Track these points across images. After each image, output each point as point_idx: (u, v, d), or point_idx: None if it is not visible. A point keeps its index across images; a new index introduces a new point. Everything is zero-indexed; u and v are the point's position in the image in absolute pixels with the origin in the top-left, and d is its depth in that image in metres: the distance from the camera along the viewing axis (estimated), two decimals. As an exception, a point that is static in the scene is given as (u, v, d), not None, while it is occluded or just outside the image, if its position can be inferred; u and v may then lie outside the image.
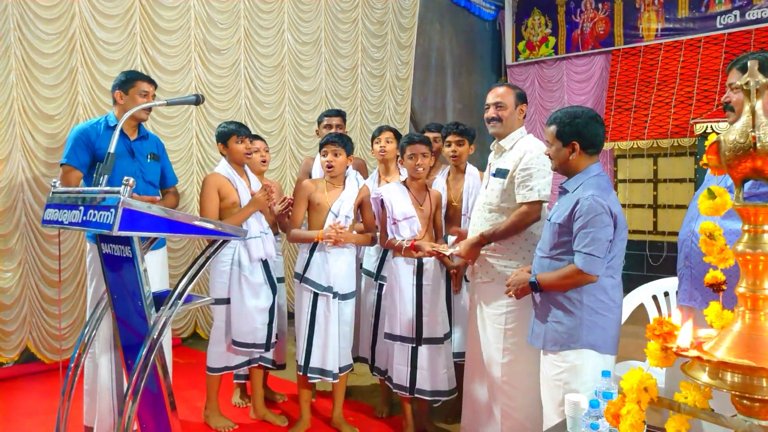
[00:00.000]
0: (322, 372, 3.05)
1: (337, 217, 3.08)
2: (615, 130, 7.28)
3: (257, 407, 3.33)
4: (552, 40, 8.12)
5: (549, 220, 2.34)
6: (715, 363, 0.82)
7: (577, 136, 2.24)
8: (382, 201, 3.14)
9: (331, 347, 3.05)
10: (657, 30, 7.27)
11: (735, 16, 6.70)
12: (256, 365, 3.27)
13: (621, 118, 7.30)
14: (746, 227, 0.87)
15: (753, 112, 0.83)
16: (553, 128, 2.30)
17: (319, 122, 3.90)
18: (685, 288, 2.15)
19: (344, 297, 3.11)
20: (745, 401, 0.85)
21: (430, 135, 3.63)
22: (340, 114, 3.91)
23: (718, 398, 0.99)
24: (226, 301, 3.15)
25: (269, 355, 3.28)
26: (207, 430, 3.16)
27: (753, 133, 0.82)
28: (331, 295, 3.04)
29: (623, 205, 7.37)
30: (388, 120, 6.68)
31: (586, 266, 2.12)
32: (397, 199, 3.11)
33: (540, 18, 8.20)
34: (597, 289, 2.20)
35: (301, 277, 3.07)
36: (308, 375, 3.05)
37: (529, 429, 2.54)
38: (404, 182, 3.20)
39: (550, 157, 2.38)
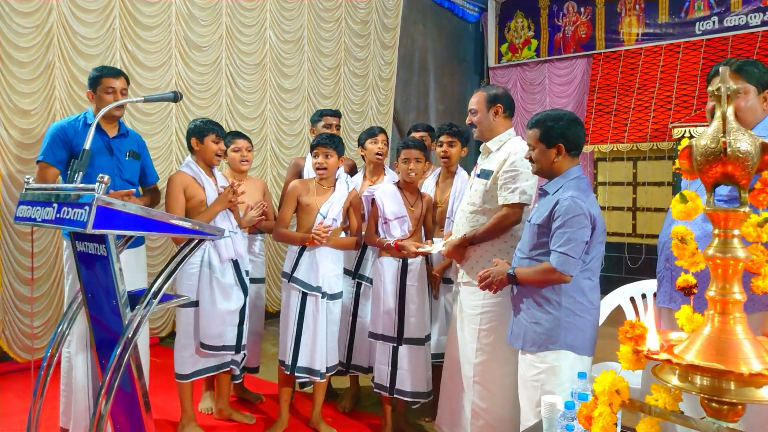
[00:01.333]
0: (310, 371, 3.04)
1: (325, 218, 3.07)
2: (595, 133, 7.34)
3: (222, 408, 3.30)
4: (534, 42, 8.18)
5: (529, 222, 2.36)
6: (685, 366, 0.83)
7: (561, 138, 2.26)
8: (373, 200, 3.14)
9: (320, 346, 3.04)
10: (638, 35, 7.36)
11: (713, 22, 6.80)
12: (227, 369, 3.19)
13: (601, 122, 7.37)
14: (716, 231, 0.88)
15: (723, 118, 0.84)
16: (536, 131, 2.31)
17: (316, 121, 3.80)
18: (665, 290, 2.17)
19: (332, 297, 3.10)
20: (713, 404, 0.86)
21: (417, 134, 3.64)
22: (339, 114, 3.88)
23: (688, 400, 1.00)
24: (194, 304, 3.05)
25: (239, 357, 3.21)
26: (182, 433, 3.10)
27: (723, 139, 0.83)
28: (320, 295, 3.04)
29: (603, 208, 7.44)
30: (371, 120, 6.68)
31: (561, 265, 2.14)
32: (389, 199, 3.11)
33: (523, 21, 8.25)
34: (575, 291, 2.22)
35: (290, 277, 3.05)
36: (296, 374, 3.03)
37: (498, 430, 2.55)
38: (397, 183, 3.21)
39: (531, 161, 2.38)
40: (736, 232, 0.87)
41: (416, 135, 3.66)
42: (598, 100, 7.50)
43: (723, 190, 2.01)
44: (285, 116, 5.72)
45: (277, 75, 5.64)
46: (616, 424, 0.98)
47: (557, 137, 2.26)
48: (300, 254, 3.05)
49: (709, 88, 2.02)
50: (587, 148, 7.36)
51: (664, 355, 0.86)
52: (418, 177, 3.12)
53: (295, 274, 3.04)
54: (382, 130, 3.54)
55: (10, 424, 3.20)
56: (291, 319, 3.05)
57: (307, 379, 3.07)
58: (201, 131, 3.10)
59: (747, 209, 0.87)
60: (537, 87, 8.21)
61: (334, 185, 3.18)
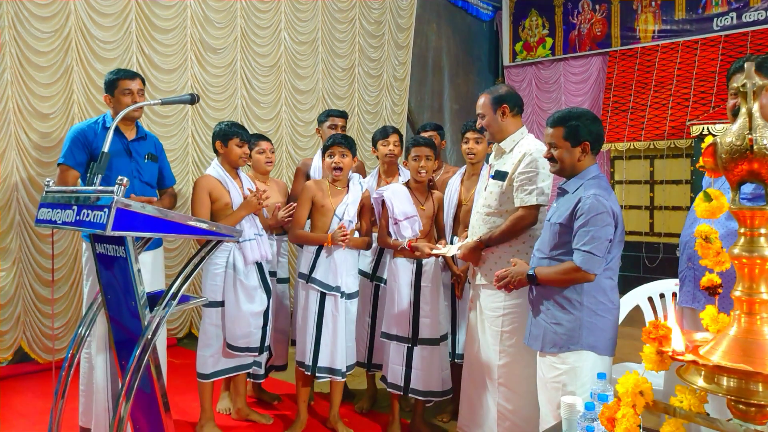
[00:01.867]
0: (331, 371, 3.05)
1: (341, 220, 3.08)
2: (612, 132, 7.27)
3: (240, 408, 3.32)
4: (549, 41, 8.12)
5: (548, 221, 2.34)
6: (711, 367, 0.82)
7: (588, 135, 2.23)
8: (383, 201, 3.14)
9: (340, 346, 3.05)
10: (654, 31, 7.27)
11: (732, 17, 6.70)
12: (248, 370, 3.22)
13: (618, 120, 7.30)
14: (742, 230, 0.86)
15: (750, 115, 0.82)
16: (560, 129, 2.27)
17: (322, 121, 3.82)
18: (687, 290, 2.14)
19: (350, 296, 3.12)
20: (740, 406, 0.85)
21: (426, 134, 3.62)
22: (345, 115, 3.87)
23: (714, 402, 0.98)
24: (219, 304, 3.10)
25: (262, 358, 3.25)
26: (200, 434, 3.12)
27: (750, 136, 0.82)
28: (339, 295, 3.05)
29: (620, 207, 7.39)
30: (386, 120, 6.67)
31: (585, 264, 2.12)
32: (398, 200, 3.11)
33: (537, 19, 8.20)
34: (597, 291, 2.20)
35: (308, 278, 3.05)
36: (317, 375, 3.04)
37: (524, 430, 2.53)
38: (406, 183, 3.20)
39: (553, 159, 2.34)
40: (762, 230, 0.86)
41: (425, 134, 3.64)
42: (615, 98, 7.43)
43: (747, 188, 1.98)
44: (300, 117, 5.74)
45: (291, 76, 5.66)
46: (639, 426, 0.97)
47: (584, 135, 2.23)
48: (317, 255, 3.06)
49: (734, 84, 2.01)
50: (604, 147, 7.27)
51: (689, 356, 0.85)
52: (428, 175, 3.11)
53: (313, 275, 3.04)
54: (396, 131, 3.53)
55: (31, 424, 3.24)
56: (310, 319, 3.05)
57: (328, 378, 3.07)
58: (225, 135, 3.14)
59: (773, 207, 0.85)
60: (552, 85, 8.15)
61: (348, 186, 3.18)
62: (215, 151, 3.22)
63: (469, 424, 2.80)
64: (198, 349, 3.16)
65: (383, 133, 3.49)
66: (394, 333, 3.03)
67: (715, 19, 6.82)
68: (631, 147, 7.13)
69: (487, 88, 2.88)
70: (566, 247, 2.20)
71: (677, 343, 0.86)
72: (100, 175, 2.11)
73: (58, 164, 2.96)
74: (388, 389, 3.09)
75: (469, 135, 3.23)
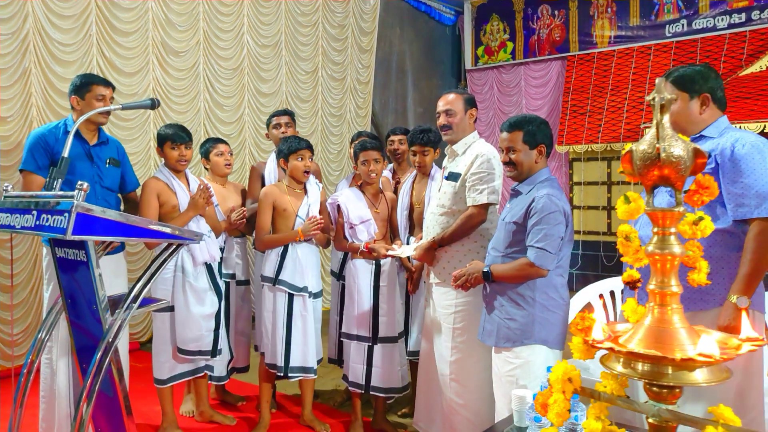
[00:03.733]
0: (304, 369, 3.10)
1: (304, 221, 3.13)
2: (570, 134, 7.47)
3: (203, 410, 3.34)
4: (510, 45, 8.30)
5: (503, 220, 2.43)
6: (625, 353, 0.90)
7: (544, 138, 2.34)
8: (338, 206, 3.20)
9: (311, 344, 3.11)
10: (610, 37, 7.51)
11: (683, 24, 6.97)
12: (201, 375, 3.23)
13: (576, 123, 7.50)
14: (655, 230, 0.96)
15: (657, 126, 0.92)
16: (518, 133, 2.36)
17: (268, 123, 3.82)
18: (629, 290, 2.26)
19: (315, 295, 3.18)
20: (654, 388, 0.94)
21: (396, 138, 3.69)
22: (288, 113, 3.85)
23: (634, 386, 1.07)
24: (170, 309, 3.09)
25: (217, 362, 3.25)
26: (163, 439, 3.12)
27: (658, 145, 0.91)
28: (307, 295, 3.10)
29: (578, 207, 7.60)
30: (350, 123, 6.74)
31: (539, 260, 2.23)
32: (353, 204, 3.18)
33: (498, 24, 8.37)
34: (548, 287, 2.31)
35: (275, 280, 3.09)
36: (290, 375, 3.08)
37: (476, 424, 2.62)
38: (359, 186, 3.27)
39: (510, 164, 2.42)
40: (672, 230, 0.95)
41: (394, 138, 3.71)
42: (573, 101, 7.64)
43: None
44: (263, 120, 5.74)
45: (255, 79, 5.68)
46: (569, 410, 1.05)
47: (540, 138, 2.34)
48: (283, 257, 3.10)
49: (647, 98, 2.14)
50: (562, 149, 7.49)
51: (607, 344, 0.93)
52: (378, 177, 3.19)
53: (281, 277, 3.08)
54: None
55: (-10, 432, 3.20)
56: (279, 321, 3.08)
57: (301, 377, 3.12)
58: (160, 140, 3.15)
59: (682, 209, 0.94)
60: (513, 89, 8.33)
61: (305, 187, 3.23)
62: (161, 157, 3.21)
63: (425, 420, 2.89)
64: (153, 355, 3.15)
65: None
66: (354, 333, 3.10)
67: (667, 26, 7.08)
68: (589, 149, 7.34)
69: (448, 90, 2.97)
70: (520, 245, 2.31)
71: (597, 332, 0.95)
72: (60, 180, 2.11)
73: (20, 170, 2.93)
74: (350, 388, 3.16)
75: (415, 148, 3.26)
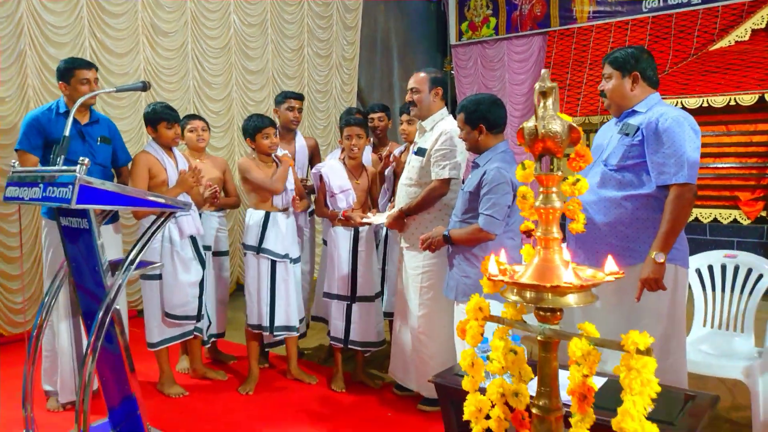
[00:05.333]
0: (288, 328, 3.43)
1: (285, 191, 3.42)
2: (550, 108, 7.70)
3: (196, 367, 3.63)
4: (493, 21, 8.46)
5: (462, 190, 2.71)
6: (517, 284, 1.17)
7: (482, 119, 2.60)
8: (321, 176, 3.47)
9: (293, 305, 3.43)
10: (589, 12, 7.69)
11: (659, 0, 7.17)
12: (190, 337, 3.50)
13: (556, 96, 7.72)
14: (542, 189, 1.22)
15: (536, 109, 1.18)
16: (461, 115, 2.66)
17: (280, 102, 3.93)
18: (570, 248, 2.52)
19: (295, 261, 3.48)
20: (540, 312, 1.21)
21: (375, 115, 3.93)
22: (301, 97, 4.03)
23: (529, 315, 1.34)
24: (158, 277, 3.33)
25: (202, 324, 3.52)
26: (162, 397, 3.38)
27: (536, 123, 1.17)
28: (288, 261, 3.38)
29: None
30: (336, 99, 6.95)
31: (487, 226, 2.51)
32: (334, 175, 3.45)
33: (482, 0, 8.53)
34: (498, 248, 2.58)
35: (258, 248, 3.35)
36: (275, 333, 3.39)
37: None
38: (342, 159, 3.53)
39: (464, 139, 2.72)
40: (554, 189, 1.21)
41: (374, 116, 3.96)
42: (553, 75, 7.83)
43: (613, 160, 2.38)
44: (251, 97, 5.96)
45: (241, 57, 5.87)
46: (482, 334, 1.33)
47: (478, 119, 2.60)
48: (264, 227, 3.36)
49: (605, 73, 2.40)
50: (543, 122, 7.72)
51: (500, 277, 1.20)
52: (360, 151, 3.45)
53: (264, 246, 3.35)
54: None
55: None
56: (264, 286, 3.37)
57: (286, 335, 3.44)
58: (152, 120, 3.34)
59: (560, 173, 1.21)
60: (497, 64, 8.51)
61: (274, 159, 3.47)
62: (149, 134, 3.40)
63: (400, 370, 3.21)
64: (145, 322, 3.41)
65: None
66: (335, 292, 3.40)
67: (643, 2, 7.27)
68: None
69: (427, 67, 3.21)
70: (475, 211, 2.59)
71: (492, 268, 1.22)
72: (63, 157, 2.36)
73: (16, 150, 3.16)
74: (331, 342, 3.48)
75: (403, 117, 3.55)
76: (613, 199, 2.34)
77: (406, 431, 2.95)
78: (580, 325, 1.19)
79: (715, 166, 6.07)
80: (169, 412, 3.20)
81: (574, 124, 1.19)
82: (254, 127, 3.38)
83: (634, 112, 2.39)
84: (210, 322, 3.66)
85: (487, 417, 1.37)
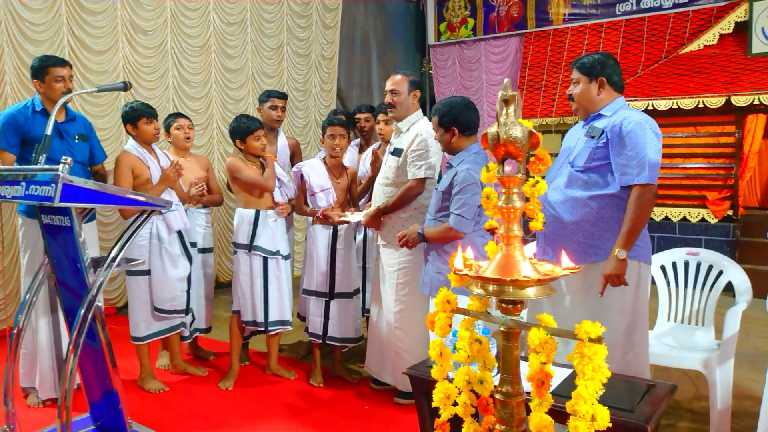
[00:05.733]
0: (282, 323, 3.50)
1: (280, 187, 3.53)
2: (526, 108, 7.84)
3: (177, 363, 3.68)
4: (471, 21, 8.59)
5: (436, 189, 2.81)
6: (478, 278, 1.26)
7: (454, 122, 2.70)
8: (302, 175, 3.54)
9: (286, 300, 3.51)
10: (565, 15, 7.85)
11: (632, 4, 7.35)
12: (178, 331, 3.56)
13: (532, 97, 7.88)
14: (504, 190, 1.31)
15: (498, 115, 1.27)
16: (435, 118, 2.76)
17: (263, 101, 3.98)
18: (540, 245, 2.65)
19: (286, 257, 3.55)
20: (502, 304, 1.30)
21: (362, 116, 4.00)
22: (285, 96, 4.09)
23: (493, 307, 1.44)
24: (145, 273, 3.38)
25: (188, 319, 3.59)
26: (142, 393, 3.43)
27: (498, 129, 1.26)
28: (281, 257, 3.45)
29: (532, 176, 8.01)
30: (315, 98, 7.00)
31: (456, 225, 2.61)
32: (315, 174, 3.53)
33: (460, 1, 8.64)
34: (469, 246, 2.68)
35: (250, 246, 3.41)
36: (270, 328, 3.45)
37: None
38: (323, 159, 3.60)
39: (438, 141, 2.83)
40: (515, 190, 1.30)
41: (361, 116, 4.04)
42: (529, 76, 7.99)
43: (579, 161, 2.49)
44: (230, 95, 6.00)
45: (221, 56, 5.90)
46: (450, 326, 1.42)
47: (451, 122, 2.70)
48: (255, 225, 3.41)
49: (573, 78, 2.50)
50: (519, 122, 7.86)
51: (465, 271, 1.29)
52: (342, 151, 3.52)
53: (255, 243, 3.41)
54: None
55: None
56: (257, 282, 3.42)
57: (281, 329, 3.51)
58: (132, 117, 3.39)
59: (521, 175, 1.30)
60: (474, 64, 8.64)
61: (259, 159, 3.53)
62: (128, 133, 3.45)
63: (376, 364, 3.30)
64: (129, 316, 3.47)
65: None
66: (313, 289, 3.48)
67: (617, 5, 7.46)
68: (543, 123, 7.72)
69: (405, 68, 3.30)
70: (447, 210, 2.69)
71: (458, 263, 1.31)
72: (45, 155, 2.39)
73: None
74: (310, 338, 3.55)
75: (380, 117, 3.62)
76: (579, 198, 2.45)
77: (382, 423, 3.04)
78: (539, 316, 1.28)
79: (684, 166, 6.26)
80: (149, 407, 3.24)
81: (534, 130, 1.28)
82: (245, 129, 3.42)
83: (600, 116, 2.51)
84: (194, 318, 3.71)
85: (455, 404, 1.46)
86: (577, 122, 2.74)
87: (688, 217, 6.25)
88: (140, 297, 3.42)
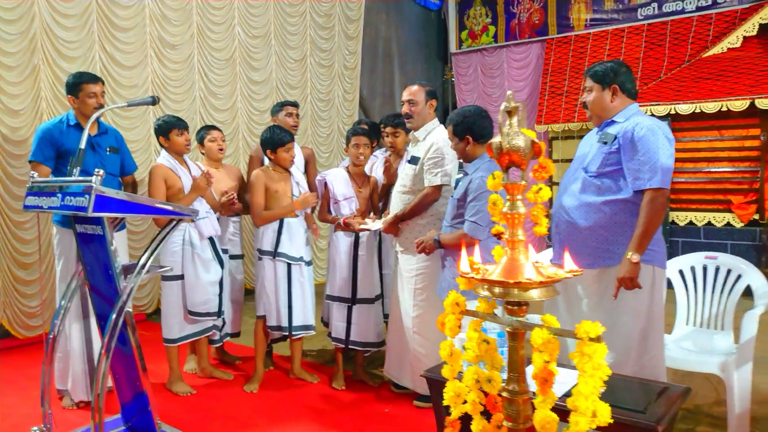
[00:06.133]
0: (306, 327, 3.60)
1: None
2: (548, 114, 7.85)
3: (204, 367, 3.80)
4: (492, 29, 8.64)
5: (452, 197, 2.87)
6: (484, 281, 1.33)
7: (468, 131, 2.77)
8: (326, 183, 3.64)
9: (309, 305, 3.61)
10: (586, 20, 7.85)
11: (654, 8, 7.33)
12: (209, 333, 3.69)
13: (554, 103, 7.88)
14: (509, 197, 1.37)
15: (501, 126, 1.33)
16: (450, 127, 2.84)
17: (278, 111, 4.15)
18: (556, 249, 2.70)
19: (308, 263, 3.65)
20: (508, 306, 1.36)
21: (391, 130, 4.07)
22: (297, 105, 4.26)
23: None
24: (179, 278, 3.52)
25: (220, 322, 3.72)
26: (170, 395, 3.55)
27: (500, 140, 1.33)
28: (304, 263, 3.56)
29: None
30: (338, 108, 7.12)
31: (471, 231, 2.67)
32: (338, 182, 3.63)
33: (481, 8, 8.71)
34: (485, 251, 2.73)
35: (275, 253, 3.51)
36: (293, 333, 3.55)
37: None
38: (346, 168, 3.70)
39: (454, 149, 2.90)
40: (519, 196, 1.36)
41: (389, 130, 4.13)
42: (551, 82, 8.00)
43: (593, 167, 2.54)
44: (255, 107, 6.15)
45: (246, 68, 6.06)
46: (459, 327, 1.49)
47: (465, 131, 2.77)
48: (280, 232, 3.52)
49: (586, 86, 2.55)
50: (541, 128, 7.87)
51: (471, 274, 1.35)
52: (365, 160, 3.61)
53: (279, 250, 3.51)
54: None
55: (17, 390, 3.65)
56: (282, 288, 3.52)
57: (304, 334, 3.61)
58: (164, 130, 3.56)
59: (525, 182, 1.36)
60: (496, 71, 8.68)
61: (288, 169, 3.63)
62: (161, 144, 3.61)
63: (395, 369, 3.37)
64: (162, 319, 3.61)
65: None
66: (336, 295, 3.56)
67: (639, 9, 7.44)
68: (566, 128, 7.71)
69: (428, 76, 3.39)
70: (462, 217, 2.76)
71: (464, 266, 1.38)
72: (79, 168, 2.53)
73: (30, 161, 3.33)
74: (333, 342, 3.63)
75: (388, 130, 3.71)
76: (593, 203, 2.49)
77: (402, 425, 3.10)
78: (542, 317, 1.34)
79: (708, 170, 6.21)
80: (177, 409, 3.36)
81: (536, 140, 1.34)
82: (278, 141, 3.51)
83: (613, 122, 2.55)
84: (224, 322, 3.83)
85: (465, 403, 1.52)
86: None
87: (713, 222, 6.19)
88: (174, 301, 3.56)
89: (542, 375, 1.32)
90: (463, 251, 1.43)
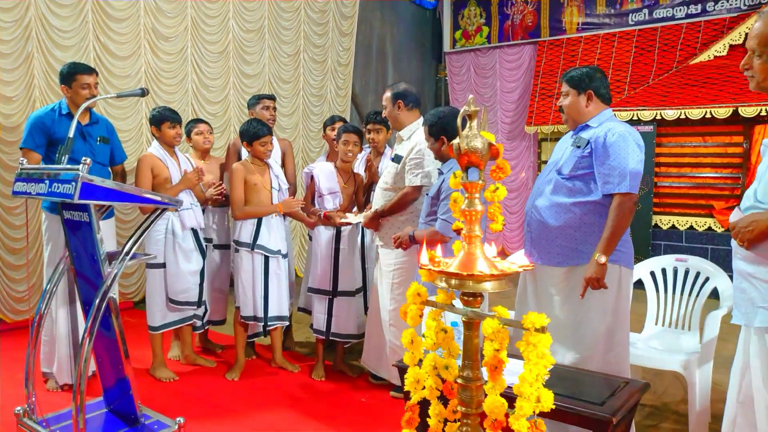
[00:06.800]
0: (280, 318, 3.68)
1: (279, 191, 3.66)
2: (539, 116, 7.95)
3: (187, 354, 3.88)
4: (486, 29, 8.73)
5: (427, 195, 2.96)
6: (442, 273, 1.41)
7: (443, 131, 2.86)
8: (312, 176, 3.73)
9: (284, 297, 3.70)
10: (578, 24, 7.95)
11: (644, 14, 7.43)
12: (190, 322, 3.77)
13: (544, 105, 7.97)
14: (467, 195, 1.46)
15: (459, 129, 1.42)
16: (425, 128, 2.93)
17: (254, 104, 4.15)
18: (527, 248, 2.79)
19: (284, 256, 3.72)
20: (464, 297, 1.45)
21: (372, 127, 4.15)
22: (274, 97, 4.27)
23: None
24: (161, 266, 3.60)
25: (200, 311, 3.80)
26: (153, 380, 3.63)
27: (458, 142, 1.41)
28: (281, 256, 3.63)
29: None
30: (330, 103, 7.19)
31: (441, 229, 2.76)
32: (324, 176, 3.71)
33: (475, 9, 8.79)
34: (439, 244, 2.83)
35: (253, 245, 3.58)
36: (268, 323, 3.62)
37: None
38: (334, 163, 3.78)
39: (430, 149, 2.98)
40: (477, 195, 1.45)
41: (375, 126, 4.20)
42: (542, 84, 8.09)
43: (565, 169, 2.63)
44: (247, 100, 6.18)
45: (239, 62, 6.12)
46: (420, 316, 1.57)
47: (439, 131, 2.86)
48: (258, 226, 3.60)
49: (563, 91, 2.63)
50: (530, 130, 7.97)
51: (429, 266, 1.44)
52: (353, 157, 3.70)
53: (258, 242, 3.59)
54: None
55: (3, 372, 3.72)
56: (258, 280, 3.60)
57: (279, 324, 3.69)
58: (158, 120, 3.64)
59: (482, 181, 1.45)
60: (489, 71, 8.77)
61: (266, 161, 3.70)
62: (152, 134, 3.70)
63: (372, 359, 3.46)
64: (147, 307, 3.71)
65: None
66: (317, 287, 3.64)
67: (630, 15, 7.54)
68: (555, 130, 7.81)
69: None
70: (435, 215, 2.85)
71: (423, 259, 1.46)
72: (67, 156, 2.60)
73: (21, 148, 3.39)
74: (314, 334, 3.72)
75: (369, 127, 3.81)
76: (563, 204, 2.58)
77: (377, 414, 3.19)
78: (494, 308, 1.43)
79: (692, 175, 6.32)
80: (160, 394, 3.44)
81: (494, 142, 1.43)
82: (253, 134, 3.58)
83: (587, 126, 2.64)
84: (206, 310, 3.91)
85: (424, 388, 1.61)
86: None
87: (695, 226, 6.30)
88: (156, 289, 3.64)
89: (492, 362, 1.41)
90: (424, 245, 1.51)
